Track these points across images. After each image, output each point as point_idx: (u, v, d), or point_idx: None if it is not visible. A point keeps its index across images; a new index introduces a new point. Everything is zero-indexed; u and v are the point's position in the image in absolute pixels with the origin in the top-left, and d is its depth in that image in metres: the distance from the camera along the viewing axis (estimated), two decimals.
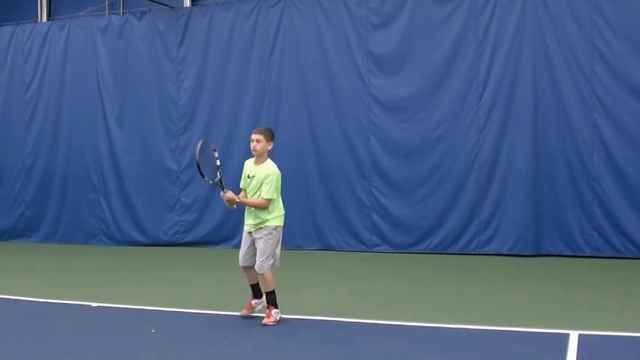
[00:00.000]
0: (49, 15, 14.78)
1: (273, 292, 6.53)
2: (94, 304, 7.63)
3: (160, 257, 11.93)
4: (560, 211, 10.77)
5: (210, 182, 6.44)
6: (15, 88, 14.30)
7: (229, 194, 6.41)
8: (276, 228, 6.57)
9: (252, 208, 6.57)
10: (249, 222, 6.64)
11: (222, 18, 12.80)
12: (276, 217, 6.58)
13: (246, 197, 6.62)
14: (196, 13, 13.04)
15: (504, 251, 10.98)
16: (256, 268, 6.52)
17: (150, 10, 13.31)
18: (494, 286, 8.69)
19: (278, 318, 6.50)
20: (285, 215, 6.71)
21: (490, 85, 11.11)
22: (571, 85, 10.67)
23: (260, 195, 6.49)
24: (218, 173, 6.48)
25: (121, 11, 14.03)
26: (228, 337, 6.20)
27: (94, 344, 6.01)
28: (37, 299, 8.08)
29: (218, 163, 6.55)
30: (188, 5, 13.35)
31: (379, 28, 11.76)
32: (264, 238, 6.50)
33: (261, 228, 6.53)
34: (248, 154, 12.34)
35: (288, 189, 12.13)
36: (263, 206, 6.48)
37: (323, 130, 12.07)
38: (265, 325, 6.42)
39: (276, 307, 6.53)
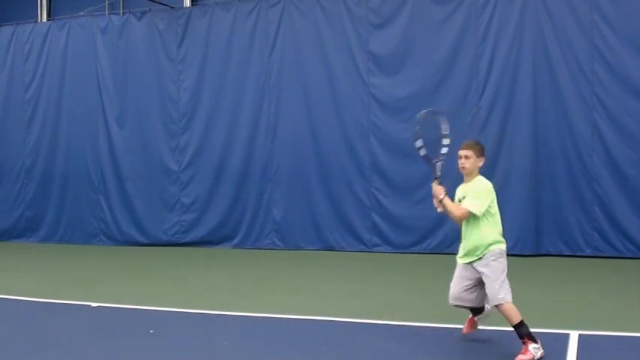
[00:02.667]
0: (49, 15, 14.79)
1: (521, 323, 5.27)
2: (94, 304, 7.63)
3: (159, 257, 11.93)
4: (560, 211, 10.77)
5: (430, 159, 5.52)
6: (15, 88, 14.31)
7: (437, 186, 5.45)
8: (500, 251, 5.41)
9: (468, 232, 5.49)
10: (466, 257, 5.52)
11: (222, 18, 12.80)
12: (495, 240, 5.43)
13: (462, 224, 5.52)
14: (196, 13, 13.05)
15: None
16: (491, 302, 5.39)
17: (150, 10, 13.31)
18: None
19: (538, 356, 5.14)
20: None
21: (490, 85, 11.11)
22: (571, 85, 10.67)
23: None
24: (441, 154, 5.59)
25: (121, 11, 14.03)
26: (228, 337, 6.19)
27: (94, 344, 6.01)
28: (37, 299, 8.08)
29: (445, 143, 5.60)
30: (188, 5, 13.36)
31: (379, 28, 11.76)
32: (490, 262, 5.36)
33: (481, 255, 5.40)
34: (248, 154, 12.52)
35: (289, 189, 12.29)
36: (463, 217, 5.42)
37: (323, 130, 12.07)
38: None
39: (535, 342, 5.20)
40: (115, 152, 13.48)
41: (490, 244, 5.39)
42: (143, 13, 13.37)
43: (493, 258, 5.35)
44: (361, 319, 6.70)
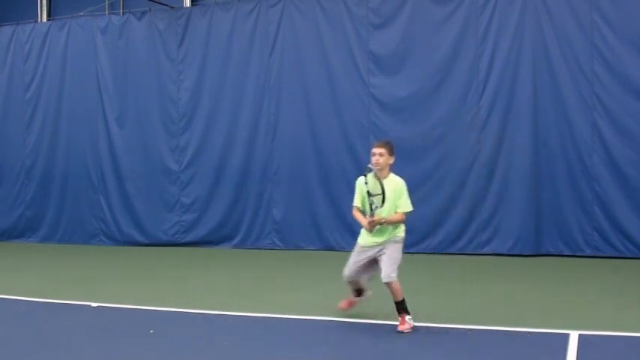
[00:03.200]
0: (49, 15, 14.79)
1: (404, 300, 6.26)
2: (94, 304, 7.63)
3: (160, 257, 11.93)
4: (560, 211, 10.77)
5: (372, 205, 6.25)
6: (15, 88, 14.31)
7: (377, 217, 6.21)
8: (403, 238, 6.44)
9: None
10: (376, 240, 6.33)
11: (222, 18, 12.80)
12: (403, 229, 6.45)
13: (363, 214, 6.37)
14: (196, 13, 13.05)
15: (504, 251, 10.97)
16: (384, 277, 6.23)
17: (150, 10, 13.31)
18: (494, 286, 8.69)
19: (412, 324, 6.17)
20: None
21: (490, 85, 11.11)
22: (571, 85, 10.67)
23: (395, 210, 6.27)
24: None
25: (121, 11, 14.03)
26: (228, 337, 6.19)
27: (94, 344, 6.01)
28: (37, 299, 8.08)
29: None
30: (188, 5, 13.36)
31: (379, 28, 11.76)
32: (395, 246, 6.32)
33: (388, 240, 6.32)
34: (248, 154, 12.52)
35: (289, 189, 12.29)
36: (402, 220, 6.34)
37: (323, 130, 12.07)
38: (401, 332, 6.10)
39: (408, 313, 6.23)
40: (115, 152, 13.48)
41: (398, 231, 6.35)
42: (143, 13, 13.37)
43: (397, 241, 6.33)
44: (361, 319, 6.70)
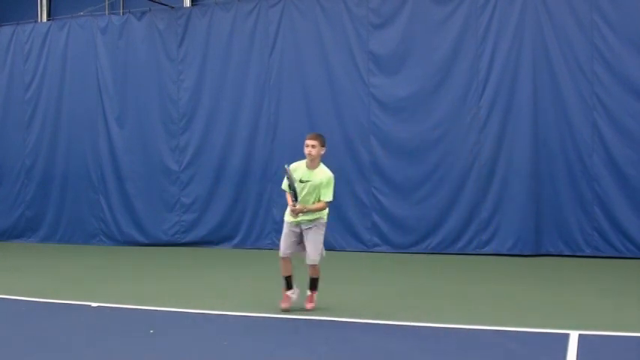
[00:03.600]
0: (49, 15, 14.79)
1: (318, 279, 7.06)
2: (94, 304, 7.62)
3: (159, 257, 11.93)
4: (560, 211, 10.78)
5: (290, 191, 6.92)
6: (15, 88, 14.31)
7: (300, 206, 6.82)
8: (326, 222, 7.07)
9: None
10: (303, 218, 6.93)
11: (222, 18, 12.81)
12: (327, 213, 7.08)
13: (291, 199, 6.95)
14: (196, 13, 13.05)
15: (504, 251, 10.98)
16: (309, 260, 6.92)
17: (150, 10, 13.32)
18: (495, 287, 8.69)
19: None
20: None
21: (490, 85, 11.11)
22: (571, 85, 10.68)
23: (319, 198, 6.93)
24: (295, 187, 6.91)
25: (121, 11, 14.03)
26: (228, 337, 6.19)
27: (94, 344, 6.01)
28: (37, 299, 8.08)
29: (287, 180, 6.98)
30: (188, 5, 13.36)
31: (379, 28, 11.76)
32: (318, 230, 6.95)
33: (313, 221, 6.94)
34: (248, 154, 12.52)
35: None
36: (324, 209, 6.95)
37: (323, 130, 11.94)
38: (310, 310, 6.94)
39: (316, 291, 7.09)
40: (115, 152, 13.48)
41: (321, 217, 6.96)
42: (143, 13, 13.37)
43: (319, 227, 6.94)
44: (361, 319, 6.69)
